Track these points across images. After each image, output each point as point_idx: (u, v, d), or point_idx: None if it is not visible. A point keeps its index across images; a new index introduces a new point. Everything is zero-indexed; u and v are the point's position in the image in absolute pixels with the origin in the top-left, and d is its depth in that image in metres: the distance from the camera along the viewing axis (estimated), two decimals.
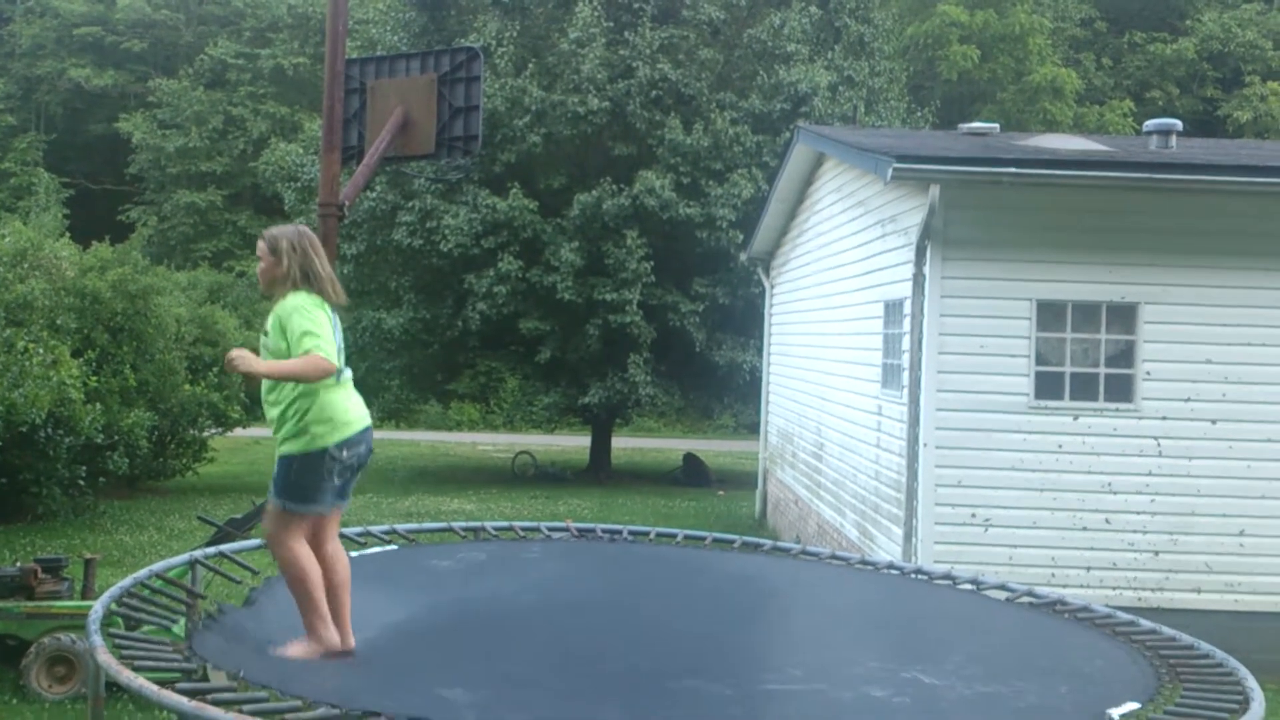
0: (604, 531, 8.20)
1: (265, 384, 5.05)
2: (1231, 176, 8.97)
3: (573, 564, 7.47)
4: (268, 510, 5.14)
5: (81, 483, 13.49)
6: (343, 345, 5.19)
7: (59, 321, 14.18)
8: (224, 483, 18.44)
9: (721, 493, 19.76)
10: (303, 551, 5.08)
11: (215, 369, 16.82)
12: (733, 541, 8.34)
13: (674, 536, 8.32)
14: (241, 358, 4.70)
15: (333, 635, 5.11)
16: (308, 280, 5.00)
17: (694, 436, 30.44)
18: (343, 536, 7.45)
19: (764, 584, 7.46)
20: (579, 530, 8.14)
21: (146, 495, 16.46)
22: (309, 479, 5.01)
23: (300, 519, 5.08)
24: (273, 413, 5.05)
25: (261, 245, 5.08)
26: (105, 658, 4.76)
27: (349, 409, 5.05)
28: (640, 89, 19.91)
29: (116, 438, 13.98)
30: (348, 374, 5.17)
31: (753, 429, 20.03)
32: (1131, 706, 5.00)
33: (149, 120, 39.53)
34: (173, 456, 17.00)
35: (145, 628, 6.20)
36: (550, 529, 8.13)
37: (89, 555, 8.11)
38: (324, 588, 5.12)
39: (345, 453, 5.02)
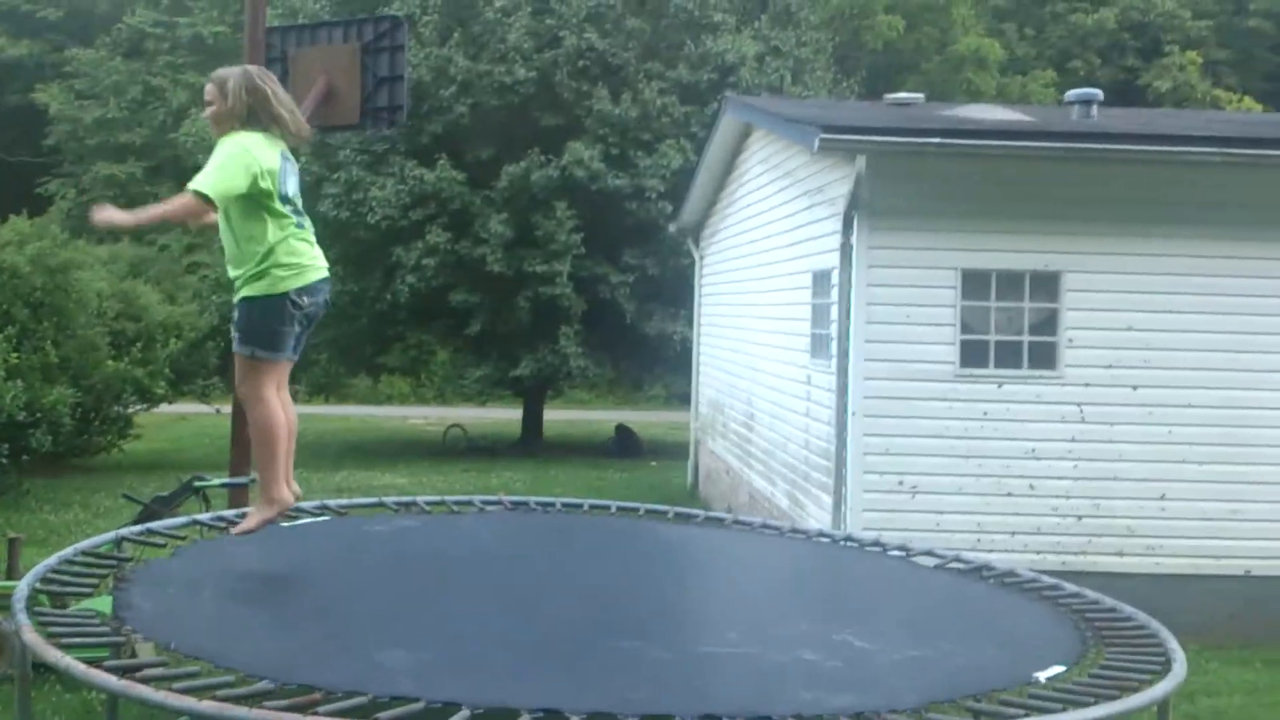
0: (538, 504, 8.21)
1: (220, 223, 4.96)
2: (1151, 145, 9.13)
3: (507, 536, 7.48)
4: (237, 365, 5.09)
5: (4, 461, 13.21)
6: (297, 191, 5.10)
7: None
8: (150, 460, 18.16)
9: (654, 464, 19.83)
10: (276, 407, 5.06)
11: (139, 344, 16.53)
12: (666, 512, 8.39)
13: (608, 508, 8.35)
14: (101, 210, 4.64)
15: (285, 495, 5.15)
16: (256, 119, 4.92)
17: (626, 408, 30.48)
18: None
19: (698, 553, 7.53)
20: (512, 503, 8.15)
21: (72, 473, 16.17)
22: (273, 323, 4.95)
23: (270, 368, 5.04)
24: (230, 250, 4.97)
25: (210, 87, 5.01)
26: (31, 636, 4.69)
27: (307, 255, 5.01)
28: (567, 58, 19.79)
29: (39, 415, 13.70)
30: (306, 223, 5.11)
31: (684, 400, 20.12)
32: (1057, 669, 5.11)
33: (66, 91, 38.56)
34: (97, 433, 16.72)
35: (73, 603, 6.11)
36: (484, 502, 8.12)
37: (13, 535, 7.98)
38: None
39: (305, 299, 4.98)
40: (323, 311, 5.15)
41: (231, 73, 5.04)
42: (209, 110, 5.02)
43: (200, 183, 4.71)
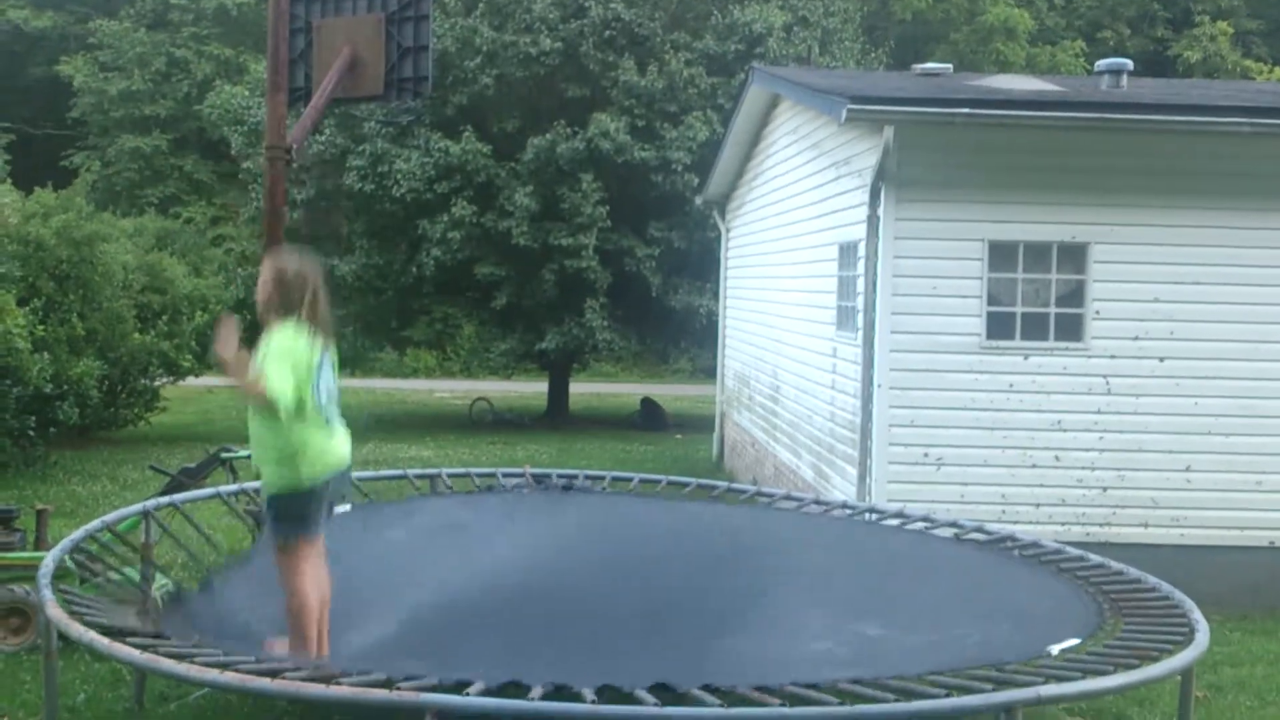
0: (560, 477, 8.23)
1: (251, 420, 5.18)
2: (1181, 116, 9.01)
3: (529, 510, 7.50)
4: (275, 549, 5.30)
5: (31, 433, 13.32)
6: (335, 387, 5.29)
7: (2, 270, 13.93)
8: (177, 432, 18.29)
9: (679, 436, 19.83)
10: (311, 583, 5.22)
11: (164, 317, 16.61)
12: (687, 484, 8.39)
13: (630, 481, 8.36)
14: (224, 343, 4.83)
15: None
16: (300, 312, 5.09)
17: (651, 381, 30.49)
18: None
19: (719, 526, 7.53)
20: (536, 476, 8.17)
21: (99, 445, 16.29)
22: (304, 511, 5.19)
23: (305, 543, 5.23)
24: (258, 436, 5.19)
25: (267, 273, 5.18)
26: (55, 612, 4.74)
27: (333, 454, 5.22)
28: (593, 29, 19.68)
29: (66, 387, 13.79)
30: (335, 420, 5.30)
31: (709, 373, 20.09)
32: (1072, 642, 5.09)
33: (90, 63, 38.65)
34: (124, 406, 16.81)
35: (98, 579, 6.15)
36: (507, 475, 8.14)
37: (41, 506, 8.01)
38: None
39: (331, 485, 5.24)
40: (339, 492, 5.41)
41: (290, 263, 5.24)
42: (263, 295, 5.18)
43: (279, 393, 4.89)
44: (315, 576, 5.25)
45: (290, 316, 5.08)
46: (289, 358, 4.96)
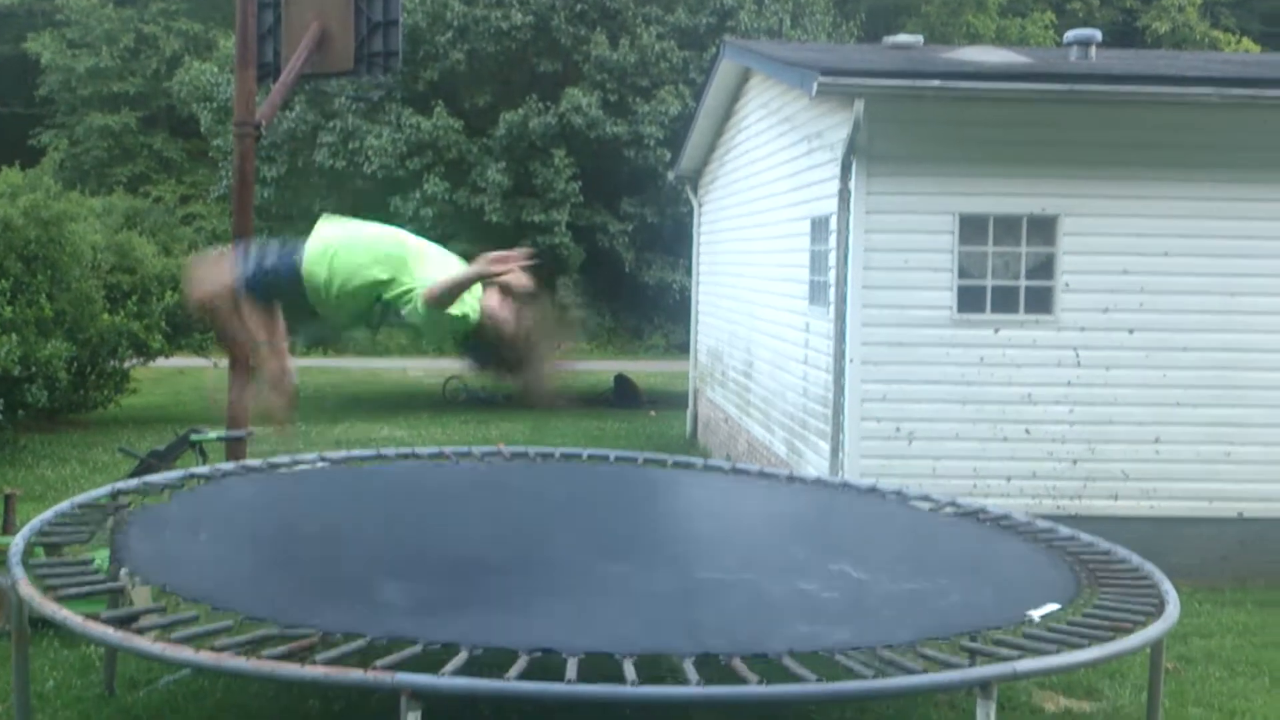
0: (536, 454, 8.23)
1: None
2: (1149, 87, 9.04)
3: (504, 484, 7.51)
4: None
5: None
6: None
7: None
8: (147, 414, 18.17)
9: (653, 413, 19.84)
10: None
11: (134, 297, 16.46)
12: (665, 461, 8.41)
13: (606, 458, 8.37)
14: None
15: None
16: None
17: (624, 358, 30.44)
18: (271, 465, 7.42)
19: (695, 498, 7.55)
20: (511, 454, 8.16)
21: (68, 428, 16.17)
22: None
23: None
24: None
25: None
26: (27, 590, 4.71)
27: None
28: (565, 3, 19.61)
29: (34, 369, 13.66)
30: None
31: (683, 349, 20.10)
32: (1052, 607, 5.14)
33: (58, 40, 38.19)
34: (94, 388, 16.66)
35: (70, 552, 6.12)
36: (483, 453, 8.13)
37: (9, 490, 7.96)
38: None
39: None
40: None
41: None
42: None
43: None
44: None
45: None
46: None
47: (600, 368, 27.05)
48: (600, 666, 4.27)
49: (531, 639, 4.37)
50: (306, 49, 10.80)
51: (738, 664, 4.24)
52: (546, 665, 4.21)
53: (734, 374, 13.73)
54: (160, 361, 17.92)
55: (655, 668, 4.87)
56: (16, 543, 5.25)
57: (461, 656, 4.20)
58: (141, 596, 5.58)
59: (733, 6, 19.97)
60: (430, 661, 4.21)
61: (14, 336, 13.14)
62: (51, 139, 37.85)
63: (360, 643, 4.34)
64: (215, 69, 22.60)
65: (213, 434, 8.97)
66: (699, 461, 8.55)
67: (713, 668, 4.30)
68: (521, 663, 4.14)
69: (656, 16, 20.18)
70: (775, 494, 7.54)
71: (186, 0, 39.28)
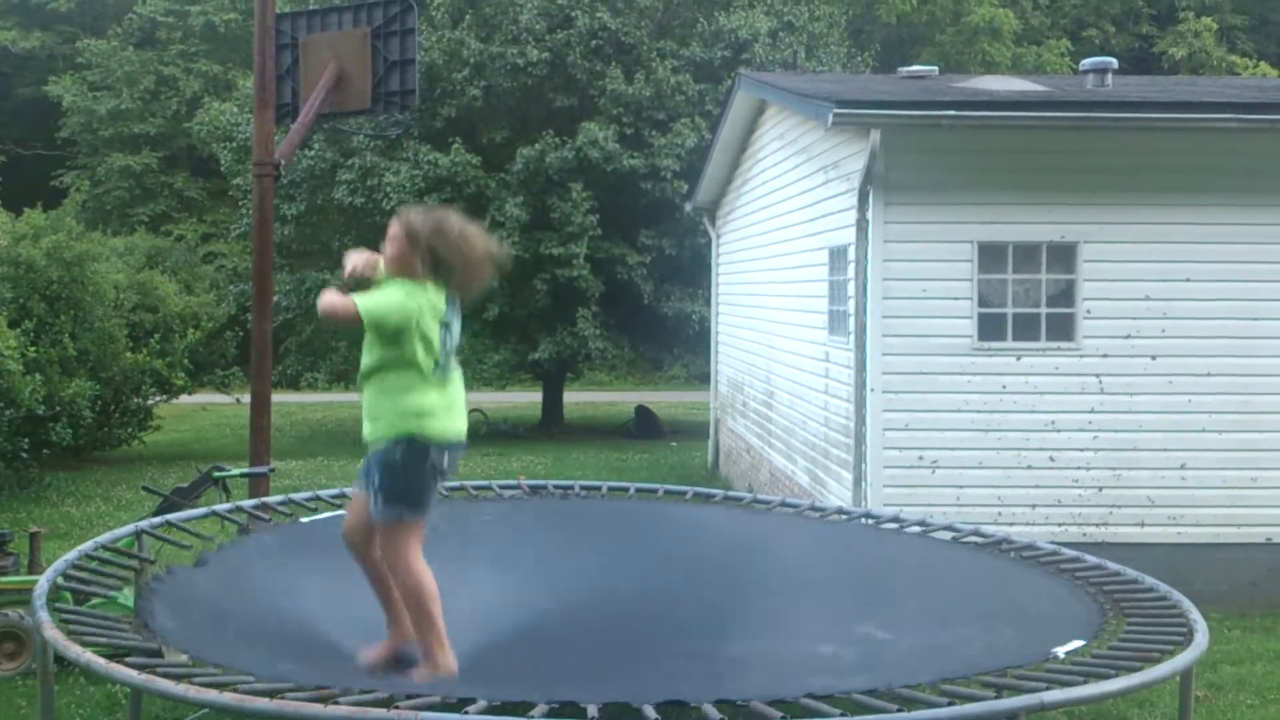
0: (556, 488, 8.21)
1: (365, 390, 4.86)
2: (1167, 114, 9.04)
3: (525, 521, 7.48)
4: (379, 530, 4.87)
5: (24, 455, 13.29)
6: (455, 344, 4.96)
7: None
8: (171, 451, 18.25)
9: (674, 444, 19.82)
10: (425, 568, 4.81)
11: (156, 335, 16.57)
12: (684, 493, 8.38)
13: (626, 490, 8.35)
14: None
15: (450, 661, 4.84)
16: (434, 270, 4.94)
17: (645, 389, 30.47)
18: (292, 502, 7.42)
19: (716, 535, 7.51)
20: (531, 487, 8.15)
21: (92, 466, 16.25)
22: (414, 473, 4.73)
23: (415, 528, 4.82)
24: (371, 402, 4.82)
25: (396, 230, 4.95)
26: (52, 633, 4.71)
27: (455, 416, 4.87)
28: (580, 38, 19.71)
29: (58, 408, 13.77)
30: (454, 373, 4.92)
31: (703, 379, 20.08)
32: (1077, 644, 5.09)
33: (79, 82, 38.59)
34: (117, 426, 16.77)
35: (94, 601, 6.14)
36: (502, 487, 8.12)
37: (34, 529, 8.00)
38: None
39: (445, 458, 4.81)
40: (450, 469, 4.97)
41: (415, 217, 5.00)
42: (390, 252, 4.94)
43: (364, 306, 4.74)
44: (427, 568, 4.78)
45: (409, 275, 4.83)
46: (393, 301, 4.74)
47: (621, 399, 27.08)
48: (620, 714, 4.23)
49: (550, 692, 4.33)
50: (324, 89, 10.91)
51: (757, 705, 4.20)
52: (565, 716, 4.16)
53: (755, 404, 13.70)
54: (183, 398, 18.03)
55: (676, 716, 4.83)
56: (41, 584, 5.27)
57: (479, 706, 4.16)
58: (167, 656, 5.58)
59: (747, 40, 20.05)
60: (449, 710, 4.18)
61: (38, 376, 13.23)
62: (73, 180, 38.15)
63: (381, 694, 4.32)
64: (235, 109, 22.80)
65: (235, 470, 9.00)
66: (718, 494, 8.52)
67: (730, 709, 4.26)
68: (540, 710, 4.10)
69: (671, 50, 20.28)
70: (795, 528, 7.50)
71: (206, 42, 39.67)
